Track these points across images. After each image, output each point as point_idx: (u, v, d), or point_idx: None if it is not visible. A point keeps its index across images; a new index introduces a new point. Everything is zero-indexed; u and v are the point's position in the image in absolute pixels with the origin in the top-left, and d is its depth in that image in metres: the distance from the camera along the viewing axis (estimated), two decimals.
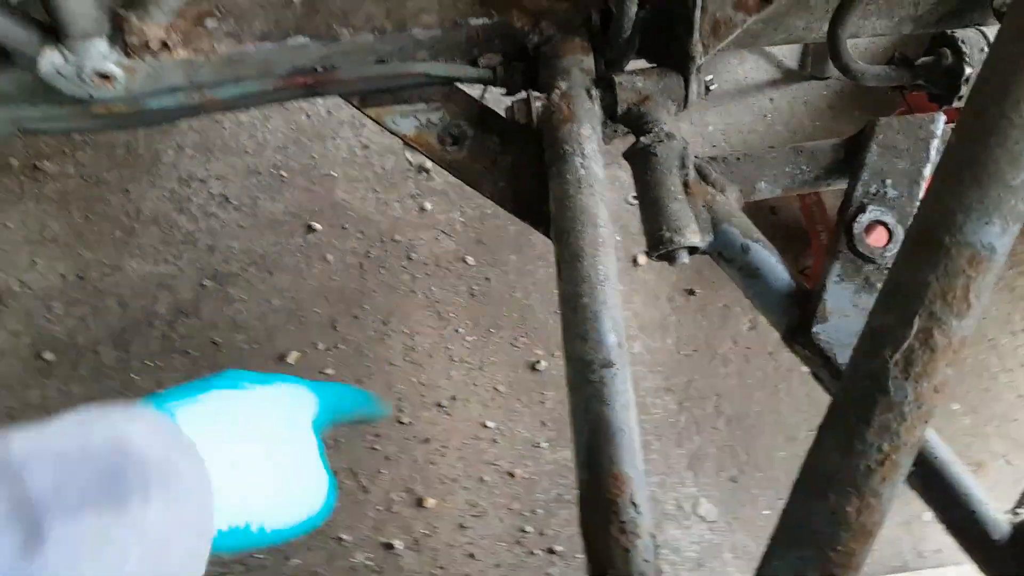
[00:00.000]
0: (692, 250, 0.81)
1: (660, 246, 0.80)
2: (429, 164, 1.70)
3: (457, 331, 1.58)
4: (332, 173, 1.66)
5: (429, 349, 1.56)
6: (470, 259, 1.63)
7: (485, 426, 1.50)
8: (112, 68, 0.92)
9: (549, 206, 0.85)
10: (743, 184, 0.96)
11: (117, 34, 0.87)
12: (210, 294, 1.56)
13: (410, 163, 1.69)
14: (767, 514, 1.53)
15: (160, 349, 1.51)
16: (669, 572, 1.37)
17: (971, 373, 1.64)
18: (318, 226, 1.61)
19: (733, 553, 1.50)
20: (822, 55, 1.74)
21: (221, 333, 1.54)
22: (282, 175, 1.65)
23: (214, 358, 1.52)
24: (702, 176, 0.93)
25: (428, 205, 1.66)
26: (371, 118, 0.99)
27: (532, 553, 1.47)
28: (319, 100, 1.65)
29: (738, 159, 0.97)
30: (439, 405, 1.52)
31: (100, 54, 0.88)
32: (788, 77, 1.80)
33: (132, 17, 0.88)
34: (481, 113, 0.94)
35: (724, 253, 0.83)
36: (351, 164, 1.69)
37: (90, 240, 1.58)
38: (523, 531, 1.47)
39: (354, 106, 0.97)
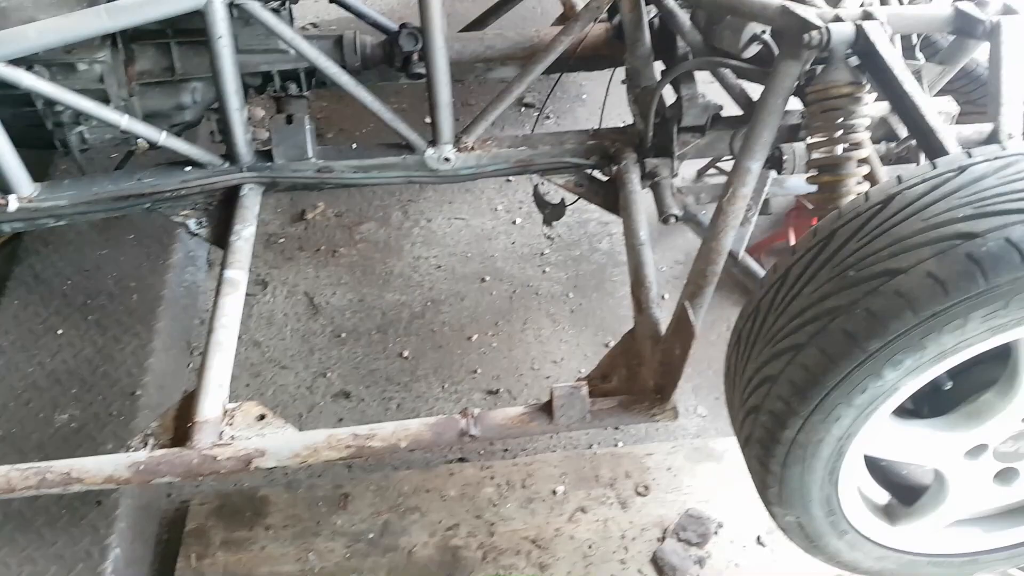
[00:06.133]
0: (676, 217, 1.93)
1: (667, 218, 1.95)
2: (547, 249, 2.88)
3: (564, 328, 2.47)
4: (494, 255, 2.57)
5: (548, 337, 2.40)
6: (571, 294, 2.49)
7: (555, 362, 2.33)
8: (452, 156, 1.96)
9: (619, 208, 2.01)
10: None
11: (457, 143, 1.87)
12: (431, 308, 2.49)
13: (541, 253, 2.78)
14: None
15: (402, 333, 2.44)
16: None
17: None
18: (488, 278, 2.53)
19: None
20: None
21: (436, 326, 2.43)
22: (467, 255, 2.60)
23: (432, 339, 2.52)
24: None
25: (547, 269, 2.54)
26: (544, 178, 2.15)
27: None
28: (492, 224, 2.77)
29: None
30: (555, 362, 2.35)
31: (450, 150, 1.90)
32: None
33: (463, 137, 1.92)
34: (589, 178, 2.11)
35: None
36: (506, 250, 2.58)
37: (363, 283, 2.60)
38: None
39: (540, 176, 2.09)
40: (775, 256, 2.46)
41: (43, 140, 1.89)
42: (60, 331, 2.31)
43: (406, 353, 2.41)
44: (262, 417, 1.56)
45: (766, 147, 1.57)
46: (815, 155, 1.57)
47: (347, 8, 2.07)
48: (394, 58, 1.97)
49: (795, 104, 1.70)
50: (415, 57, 1.94)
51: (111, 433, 2.04)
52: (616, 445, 2.11)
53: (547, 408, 1.56)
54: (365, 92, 1.85)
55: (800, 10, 1.52)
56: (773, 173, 1.87)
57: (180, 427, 1.55)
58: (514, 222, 2.77)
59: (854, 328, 1.15)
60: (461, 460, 2.10)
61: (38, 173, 1.89)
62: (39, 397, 2.14)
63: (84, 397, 2.13)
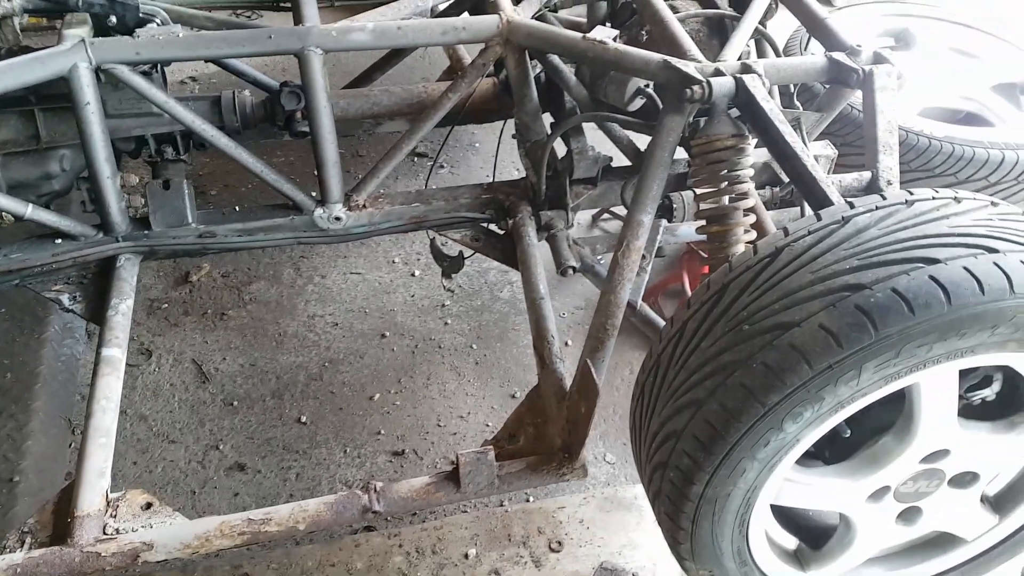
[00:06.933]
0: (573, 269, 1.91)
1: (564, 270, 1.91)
2: (448, 301, 2.79)
3: (469, 381, 2.45)
4: (394, 310, 2.52)
5: (453, 391, 2.31)
6: (474, 346, 2.49)
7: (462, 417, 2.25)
8: (343, 215, 1.94)
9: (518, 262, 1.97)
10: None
11: (347, 201, 1.84)
12: (328, 369, 2.41)
13: (442, 304, 2.69)
14: None
15: (299, 397, 2.34)
16: None
17: None
18: (388, 334, 2.46)
19: None
20: None
21: (335, 387, 2.37)
22: (365, 311, 2.55)
23: (331, 402, 2.38)
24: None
25: (449, 321, 2.49)
26: (440, 233, 2.09)
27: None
28: (389, 277, 2.68)
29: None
30: (461, 417, 2.28)
31: (340, 209, 1.85)
32: None
33: (354, 195, 1.88)
34: (485, 231, 2.10)
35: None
36: (405, 304, 2.51)
37: (254, 346, 2.44)
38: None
39: (436, 231, 2.03)
40: (671, 298, 2.48)
41: None
42: None
43: (304, 418, 2.26)
44: (148, 506, 1.41)
45: (656, 199, 1.56)
46: (703, 206, 1.56)
47: (225, 68, 1.95)
48: (276, 117, 1.86)
49: (683, 153, 1.71)
50: (298, 115, 1.84)
51: None
52: (527, 500, 2.03)
53: (453, 476, 1.47)
54: (246, 154, 1.74)
55: (681, 65, 1.53)
56: (664, 221, 1.86)
57: (60, 522, 1.38)
58: (413, 274, 2.68)
59: (752, 383, 1.13)
60: (368, 529, 1.97)
61: None
62: None
63: None
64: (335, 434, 2.23)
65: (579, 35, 1.65)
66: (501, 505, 2.02)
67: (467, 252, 2.08)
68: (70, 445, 2.20)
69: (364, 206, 1.88)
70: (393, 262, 2.73)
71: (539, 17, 1.89)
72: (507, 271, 2.64)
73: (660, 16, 1.68)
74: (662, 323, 1.92)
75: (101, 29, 1.67)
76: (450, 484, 1.47)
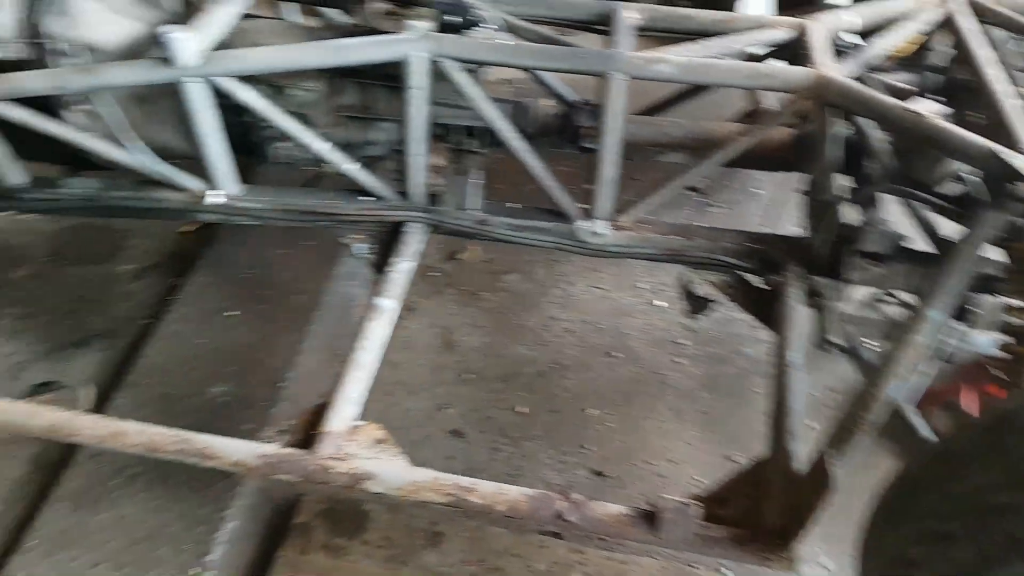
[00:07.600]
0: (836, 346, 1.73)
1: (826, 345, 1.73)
2: (685, 340, 2.70)
3: (688, 428, 2.25)
4: (628, 333, 2.47)
5: (669, 432, 2.22)
6: (704, 394, 2.35)
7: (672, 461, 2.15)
8: (605, 232, 1.89)
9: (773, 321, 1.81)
10: None
11: (613, 220, 1.85)
12: (555, 370, 2.36)
13: (675, 341, 2.55)
14: None
15: (523, 389, 2.33)
16: None
17: None
18: (617, 355, 2.42)
19: None
20: None
21: (556, 390, 2.29)
22: (600, 327, 2.49)
23: (549, 402, 2.39)
24: None
25: (680, 360, 2.40)
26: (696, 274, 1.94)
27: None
28: (631, 301, 2.64)
29: None
30: (671, 461, 2.16)
31: (604, 225, 1.83)
32: None
33: (619, 215, 1.84)
34: (743, 282, 1.94)
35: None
36: (640, 331, 2.47)
37: (497, 330, 2.48)
38: None
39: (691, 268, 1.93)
40: (946, 411, 2.14)
41: (252, 149, 1.96)
42: (230, 313, 2.44)
43: (524, 409, 2.30)
44: (380, 441, 1.51)
45: (953, 297, 1.35)
46: (1012, 319, 1.32)
47: (535, 78, 2.02)
48: (566, 130, 1.90)
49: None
50: (583, 131, 1.87)
51: (251, 416, 2.09)
52: (719, 570, 1.88)
53: (651, 518, 1.39)
54: (534, 158, 1.79)
55: (1010, 157, 1.30)
56: (958, 324, 1.60)
57: (308, 431, 1.53)
58: (652, 303, 2.61)
59: (1022, 535, 0.93)
60: (555, 535, 1.95)
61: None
62: (200, 368, 2.25)
63: (237, 377, 2.22)
64: (546, 433, 2.25)
65: (898, 103, 1.47)
66: (691, 565, 1.89)
67: (716, 297, 1.97)
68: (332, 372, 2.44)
69: (626, 227, 1.86)
70: (637, 286, 2.68)
71: (858, 78, 1.72)
72: (757, 328, 2.46)
73: (998, 99, 1.45)
74: (929, 435, 1.65)
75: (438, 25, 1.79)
76: (646, 524, 1.40)
